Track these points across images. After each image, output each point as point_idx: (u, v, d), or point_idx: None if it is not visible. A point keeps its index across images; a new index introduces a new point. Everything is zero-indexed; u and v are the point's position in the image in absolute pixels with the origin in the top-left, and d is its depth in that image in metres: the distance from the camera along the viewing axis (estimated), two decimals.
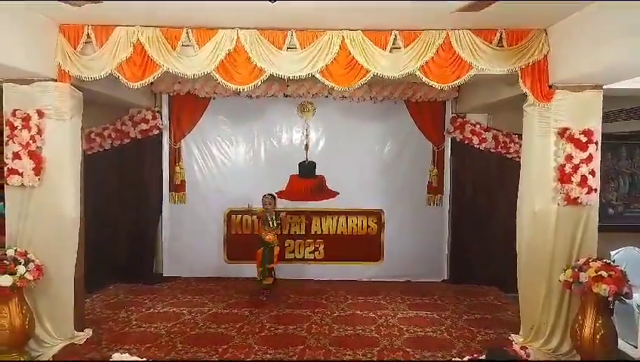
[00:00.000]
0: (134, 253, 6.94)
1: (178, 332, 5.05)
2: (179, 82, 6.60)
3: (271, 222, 6.17)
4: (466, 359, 4.12)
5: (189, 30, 4.45)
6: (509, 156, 6.58)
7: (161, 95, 7.00)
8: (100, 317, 5.42)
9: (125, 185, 6.86)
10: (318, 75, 4.49)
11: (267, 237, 6.17)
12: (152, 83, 4.83)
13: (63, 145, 4.49)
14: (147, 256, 7.08)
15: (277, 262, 6.28)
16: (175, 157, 7.17)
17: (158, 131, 6.94)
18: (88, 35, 4.45)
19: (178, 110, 7.09)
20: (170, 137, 7.13)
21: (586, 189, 4.33)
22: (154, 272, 7.12)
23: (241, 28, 4.43)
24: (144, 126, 6.80)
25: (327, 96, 6.86)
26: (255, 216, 6.66)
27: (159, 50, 4.41)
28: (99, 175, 5.99)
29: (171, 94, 6.96)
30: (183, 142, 7.17)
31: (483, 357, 3.95)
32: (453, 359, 4.38)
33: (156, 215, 7.14)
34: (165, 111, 7.06)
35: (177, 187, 7.18)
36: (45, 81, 4.40)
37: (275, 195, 6.49)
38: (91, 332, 4.89)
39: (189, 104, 7.03)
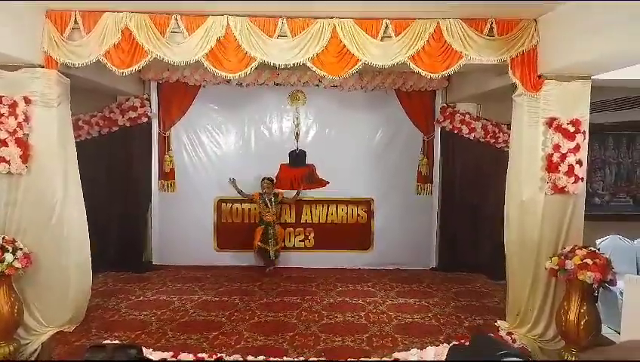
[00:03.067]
0: (124, 242, 6.92)
1: (168, 319, 5.06)
2: (168, 69, 6.54)
3: (269, 204, 6.71)
4: (451, 345, 4.17)
5: (178, 17, 4.38)
6: (497, 146, 6.62)
7: (149, 82, 6.94)
8: (89, 305, 5.34)
9: (114, 173, 6.81)
10: (309, 64, 4.45)
11: (266, 217, 6.75)
12: (140, 70, 4.79)
13: (50, 132, 4.42)
14: (137, 244, 7.05)
15: (281, 246, 6.97)
16: (164, 145, 7.13)
17: (146, 119, 6.87)
18: (75, 21, 4.36)
19: (167, 98, 7.04)
20: (159, 125, 7.08)
21: (573, 178, 4.37)
22: (143, 260, 7.10)
23: (231, 15, 4.37)
24: (132, 114, 6.74)
25: (317, 85, 6.86)
26: (247, 197, 6.93)
27: (148, 37, 4.35)
28: (86, 163, 5.90)
29: (160, 82, 6.90)
30: (172, 130, 7.14)
31: (467, 343, 4.00)
32: (440, 345, 4.44)
33: (145, 203, 7.11)
34: (154, 98, 7.00)
35: (167, 175, 7.15)
36: (32, 67, 4.32)
37: (274, 179, 6.86)
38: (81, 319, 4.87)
39: (178, 92, 6.98)
